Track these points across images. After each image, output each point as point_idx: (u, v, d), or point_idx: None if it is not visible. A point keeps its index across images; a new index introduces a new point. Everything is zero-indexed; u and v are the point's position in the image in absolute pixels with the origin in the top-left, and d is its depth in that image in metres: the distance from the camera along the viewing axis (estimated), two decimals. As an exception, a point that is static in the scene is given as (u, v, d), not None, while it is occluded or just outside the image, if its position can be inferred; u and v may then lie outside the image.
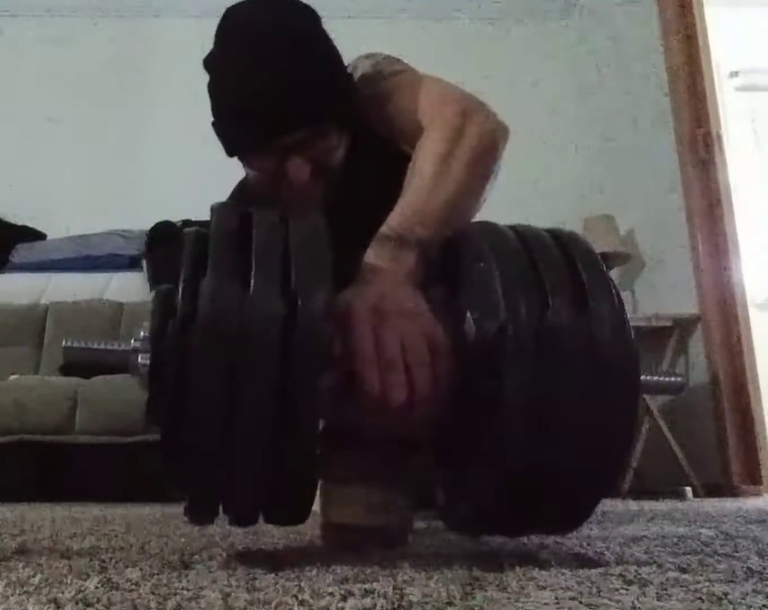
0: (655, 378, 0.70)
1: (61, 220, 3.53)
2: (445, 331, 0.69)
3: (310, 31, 0.98)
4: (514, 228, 0.69)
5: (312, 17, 0.99)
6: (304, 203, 0.96)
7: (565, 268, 0.64)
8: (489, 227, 0.70)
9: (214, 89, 1.00)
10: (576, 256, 0.65)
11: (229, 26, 0.98)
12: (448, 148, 0.85)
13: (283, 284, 0.59)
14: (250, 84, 0.92)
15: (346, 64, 1.04)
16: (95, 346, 0.65)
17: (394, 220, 0.78)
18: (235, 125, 0.96)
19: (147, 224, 3.43)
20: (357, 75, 1.03)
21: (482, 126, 0.89)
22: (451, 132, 0.87)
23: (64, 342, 0.65)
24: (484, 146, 0.87)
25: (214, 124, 1.01)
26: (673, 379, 0.71)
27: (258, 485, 0.61)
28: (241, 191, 1.17)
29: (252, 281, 0.58)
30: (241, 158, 1.01)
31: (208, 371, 0.56)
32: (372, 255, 0.75)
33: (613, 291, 0.64)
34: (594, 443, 0.60)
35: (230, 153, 1.01)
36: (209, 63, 1.00)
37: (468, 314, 0.68)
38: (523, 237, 0.67)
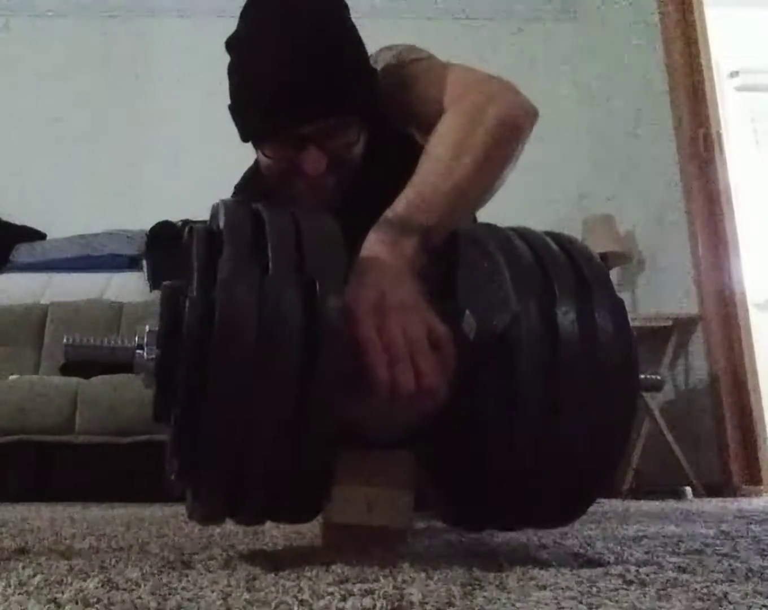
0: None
1: (61, 220, 3.53)
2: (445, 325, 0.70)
3: (339, 20, 0.96)
4: (514, 230, 0.70)
5: (341, 7, 0.97)
6: (315, 196, 0.94)
7: (569, 268, 0.64)
8: (492, 229, 0.71)
9: (234, 70, 0.96)
10: (577, 257, 0.66)
11: (254, 7, 0.96)
12: (464, 132, 0.83)
13: (299, 276, 0.59)
14: (275, 66, 0.89)
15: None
16: (97, 343, 0.65)
17: (399, 205, 0.77)
18: (254, 108, 0.93)
19: (147, 224, 3.43)
20: (379, 68, 1.01)
21: (504, 109, 0.86)
22: (469, 115, 0.85)
23: (65, 339, 0.64)
24: (503, 130, 0.85)
25: (230, 107, 0.97)
26: (652, 377, 0.73)
27: (272, 484, 0.61)
28: (248, 183, 1.14)
29: (268, 275, 0.58)
30: (256, 144, 0.98)
31: (227, 368, 0.55)
32: (372, 240, 0.74)
33: (613, 288, 0.65)
34: (598, 433, 0.61)
35: (245, 138, 0.97)
36: (231, 44, 0.97)
37: (467, 312, 0.69)
38: (526, 238, 0.68)
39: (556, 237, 0.70)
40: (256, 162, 1.06)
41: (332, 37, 0.92)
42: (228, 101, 0.99)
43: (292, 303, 0.57)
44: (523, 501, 0.65)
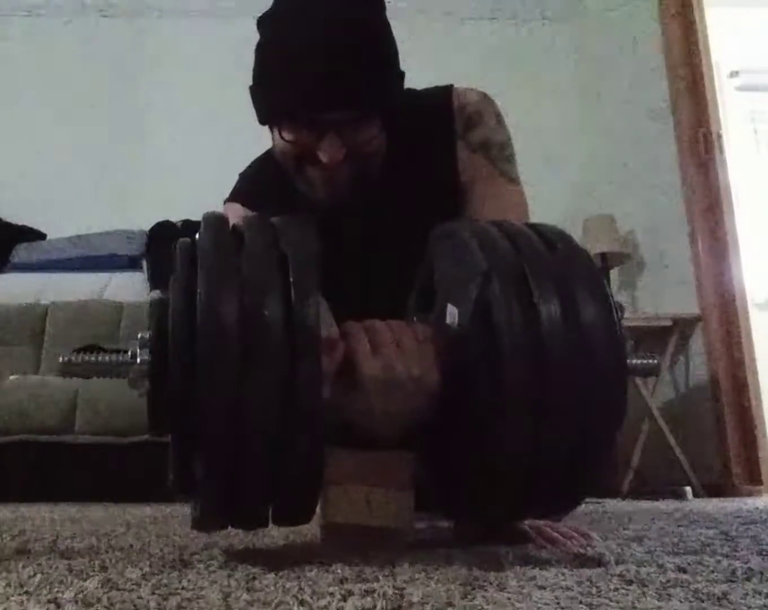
0: (632, 361, 0.71)
1: (61, 220, 3.53)
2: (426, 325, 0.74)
3: (378, 14, 0.94)
4: (488, 220, 0.72)
5: (380, 2, 0.95)
6: (328, 186, 0.93)
7: (544, 247, 0.65)
8: (466, 220, 0.72)
9: (265, 47, 0.93)
10: (556, 243, 0.66)
11: None
12: None
13: (277, 284, 0.59)
14: (312, 46, 0.87)
15: (450, 84, 1.06)
16: (93, 359, 0.65)
17: None
18: (284, 86, 0.90)
19: (147, 224, 3.44)
20: (468, 109, 1.02)
21: None
22: None
23: (61, 358, 0.65)
24: None
25: (252, 86, 0.95)
26: (648, 361, 0.72)
27: (266, 488, 0.61)
28: (257, 172, 1.12)
29: (247, 285, 0.59)
30: (275, 125, 0.94)
31: (212, 380, 0.56)
32: None
33: (599, 277, 0.65)
34: (585, 420, 0.61)
35: (266, 118, 0.95)
36: (264, 21, 0.94)
37: (448, 305, 0.69)
38: (499, 225, 0.69)
39: (532, 225, 0.71)
40: (267, 151, 1.04)
41: (371, 29, 0.91)
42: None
43: (270, 310, 0.58)
44: (516, 490, 0.65)
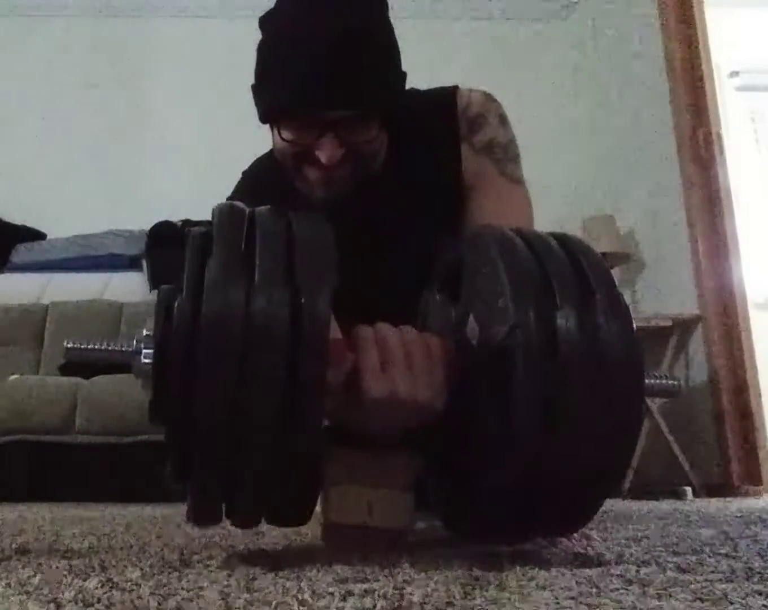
0: (651, 381, 0.69)
1: (61, 220, 3.53)
2: (444, 334, 0.71)
3: (380, 14, 0.94)
4: (519, 232, 0.69)
5: (383, 4, 0.95)
6: (327, 185, 0.93)
7: (572, 272, 0.64)
8: (496, 232, 0.70)
9: (267, 46, 0.94)
10: (581, 260, 0.65)
11: None
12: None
13: (287, 281, 0.59)
14: (313, 46, 0.87)
15: (454, 85, 1.05)
16: (97, 346, 0.65)
17: None
18: (285, 84, 0.90)
19: (147, 224, 3.43)
20: (472, 110, 1.02)
21: None
22: None
23: (66, 343, 0.65)
24: None
25: (254, 86, 0.95)
26: (669, 382, 0.70)
27: (262, 485, 0.61)
28: (258, 171, 1.13)
29: (256, 279, 0.58)
30: (275, 124, 0.95)
31: (212, 371, 0.56)
32: None
33: (619, 294, 0.64)
34: (599, 445, 0.60)
35: (266, 117, 0.95)
36: (266, 21, 0.94)
37: (471, 317, 0.68)
38: (530, 242, 0.67)
39: (563, 240, 0.68)
40: (270, 151, 1.05)
41: (372, 29, 0.91)
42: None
43: (277, 306, 0.57)
44: (522, 511, 0.64)
